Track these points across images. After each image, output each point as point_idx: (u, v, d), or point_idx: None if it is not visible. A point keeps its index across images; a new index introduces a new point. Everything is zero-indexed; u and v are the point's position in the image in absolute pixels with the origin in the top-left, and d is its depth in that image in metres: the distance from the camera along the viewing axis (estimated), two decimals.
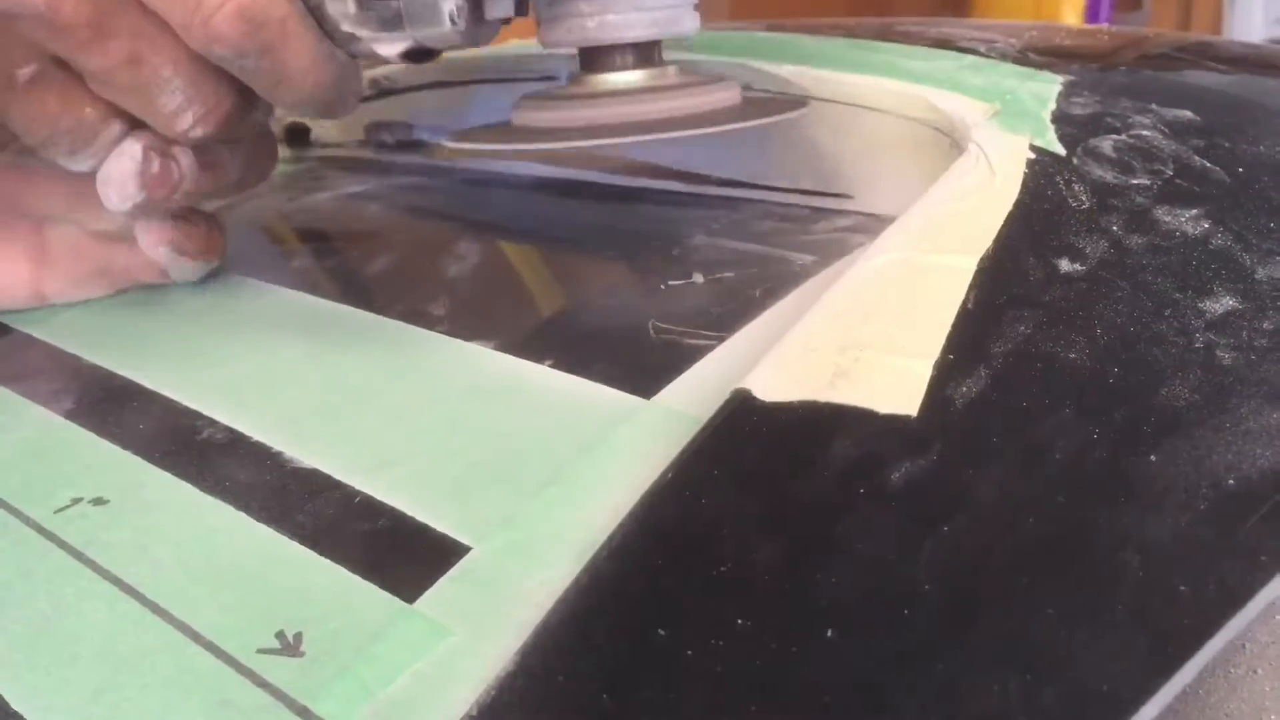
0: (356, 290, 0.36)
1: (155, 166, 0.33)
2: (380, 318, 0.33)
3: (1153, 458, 0.21)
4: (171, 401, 0.30)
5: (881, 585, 0.19)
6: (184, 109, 0.31)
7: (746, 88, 0.37)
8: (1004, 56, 0.39)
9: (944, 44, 0.42)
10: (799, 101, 0.36)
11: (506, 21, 0.32)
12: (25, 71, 0.30)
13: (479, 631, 0.20)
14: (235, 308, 0.36)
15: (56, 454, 0.29)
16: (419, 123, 0.54)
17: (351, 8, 0.30)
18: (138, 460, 0.28)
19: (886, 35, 0.44)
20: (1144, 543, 0.19)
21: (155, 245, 0.36)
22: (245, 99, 0.32)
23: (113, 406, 0.30)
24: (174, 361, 0.33)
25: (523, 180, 0.46)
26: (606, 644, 0.19)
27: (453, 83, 0.51)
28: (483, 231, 0.41)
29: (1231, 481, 0.20)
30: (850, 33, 0.45)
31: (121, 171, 0.32)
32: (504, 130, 0.35)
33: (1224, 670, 0.20)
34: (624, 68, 0.34)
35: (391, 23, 0.30)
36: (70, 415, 0.30)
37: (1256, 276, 0.26)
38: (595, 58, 0.34)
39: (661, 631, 0.18)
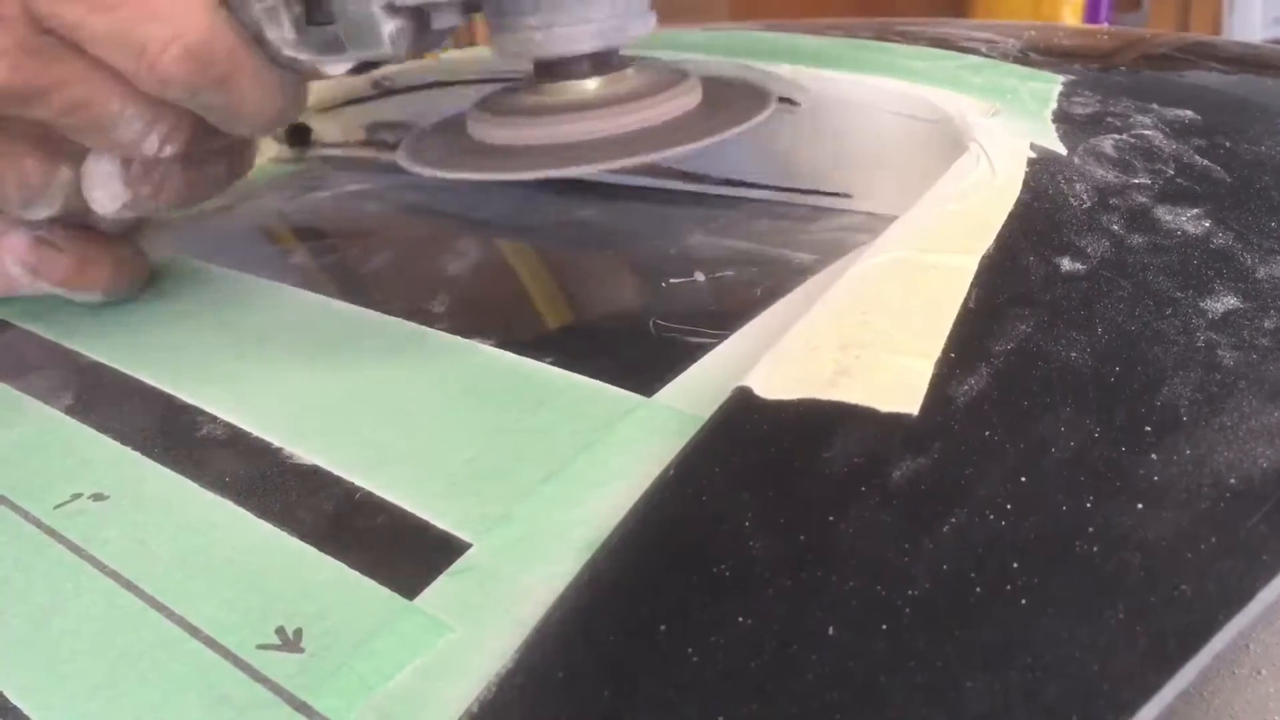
0: (357, 288, 0.36)
1: (135, 165, 0.32)
2: (380, 315, 0.33)
3: (1154, 456, 0.21)
4: (171, 397, 0.30)
5: (882, 583, 0.19)
6: (145, 134, 0.30)
7: (711, 79, 0.36)
8: (1004, 56, 0.39)
9: (944, 44, 0.42)
10: (761, 99, 0.34)
11: (445, 33, 0.31)
12: None
13: (479, 628, 0.20)
14: (236, 305, 0.36)
15: (56, 449, 0.29)
16: (419, 122, 0.54)
17: (290, 34, 0.30)
18: (137, 456, 0.28)
19: (886, 35, 0.44)
20: (1145, 542, 0.19)
21: (9, 262, 0.35)
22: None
23: (112, 402, 0.30)
24: (173, 358, 0.33)
25: (521, 179, 0.46)
26: (607, 641, 0.19)
27: (454, 82, 0.51)
28: (482, 229, 0.41)
29: (1233, 480, 0.20)
30: (850, 33, 0.45)
31: (103, 173, 0.32)
32: (457, 147, 0.34)
33: (1228, 671, 0.20)
34: (580, 75, 0.33)
35: (332, 46, 0.30)
36: (69, 411, 0.30)
37: (1257, 276, 0.26)
38: (550, 66, 0.33)
39: (662, 629, 0.18)
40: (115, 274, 0.36)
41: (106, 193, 0.32)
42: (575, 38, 0.32)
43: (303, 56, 0.30)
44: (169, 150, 0.31)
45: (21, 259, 0.34)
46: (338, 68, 0.31)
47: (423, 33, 0.30)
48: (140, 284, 0.37)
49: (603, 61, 0.33)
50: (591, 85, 0.33)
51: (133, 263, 0.37)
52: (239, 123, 0.31)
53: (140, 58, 0.28)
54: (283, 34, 0.30)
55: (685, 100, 0.33)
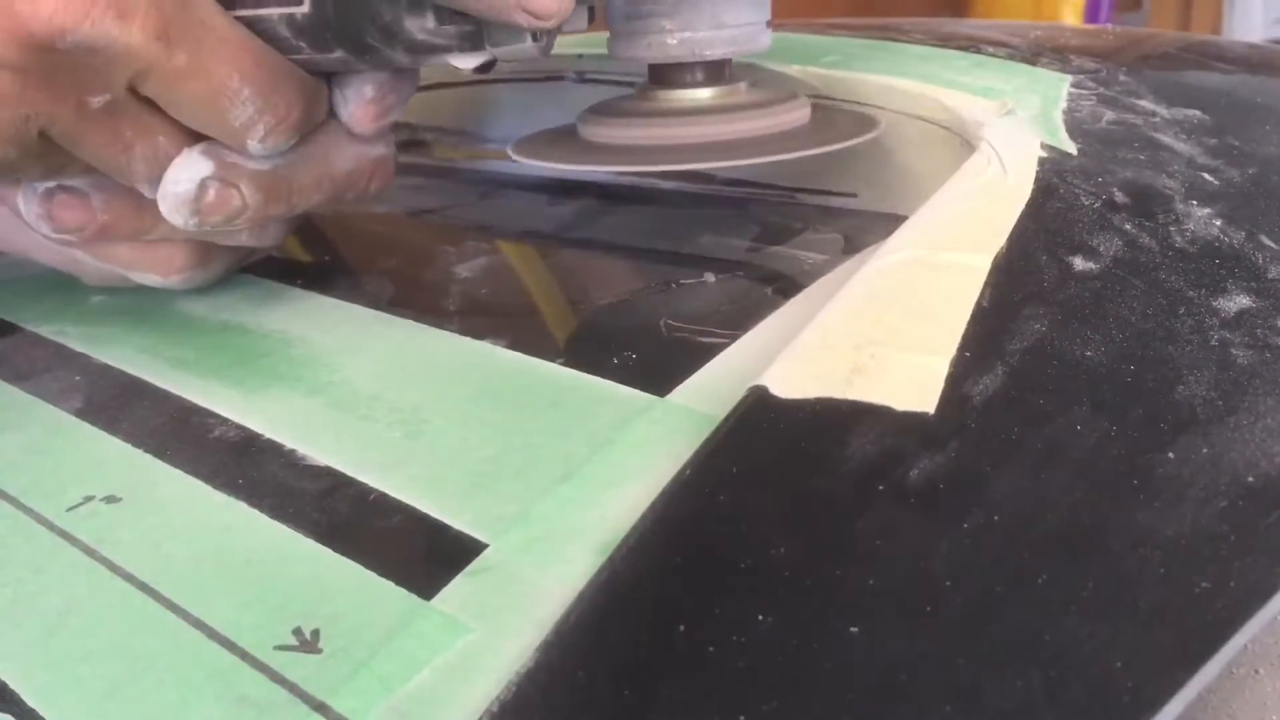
0: (366, 289, 0.36)
1: (211, 195, 0.31)
2: (390, 316, 0.33)
3: (1171, 455, 0.21)
4: (182, 400, 0.30)
5: (902, 582, 0.19)
6: (255, 121, 0.31)
7: (818, 97, 0.37)
8: (1012, 56, 0.39)
9: (951, 43, 0.42)
10: (869, 122, 0.35)
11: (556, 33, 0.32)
12: (98, 100, 0.29)
13: (497, 628, 0.20)
14: (244, 307, 0.36)
15: (67, 452, 0.29)
16: (425, 123, 0.54)
17: (430, 22, 0.30)
18: (149, 458, 0.28)
19: (893, 35, 0.44)
20: (1164, 539, 0.19)
21: (32, 217, 0.34)
22: (311, 107, 0.32)
23: (123, 404, 0.30)
24: (184, 360, 0.33)
25: (530, 180, 0.46)
26: (627, 640, 0.18)
27: (456, 83, 0.51)
28: (492, 231, 0.41)
29: (1251, 479, 0.20)
30: (856, 33, 0.45)
31: (177, 195, 0.31)
32: (574, 145, 0.34)
33: (1226, 670, 0.20)
34: (694, 84, 0.33)
35: (471, 38, 0.30)
36: (80, 413, 0.30)
37: (1270, 275, 0.26)
38: (666, 73, 0.34)
39: (682, 628, 0.18)
40: (158, 257, 0.35)
41: (174, 212, 0.32)
42: (710, 42, 0.32)
43: (437, 43, 0.30)
44: (270, 143, 0.31)
45: (38, 212, 0.33)
46: (470, 61, 0.31)
47: (554, 33, 0.31)
48: (197, 280, 0.36)
49: (717, 73, 0.33)
50: (706, 93, 0.34)
51: (187, 252, 0.36)
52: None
53: None
54: (423, 23, 0.30)
55: (796, 115, 0.34)
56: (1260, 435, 0.21)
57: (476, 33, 0.30)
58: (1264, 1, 2.04)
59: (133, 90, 0.30)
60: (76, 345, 0.35)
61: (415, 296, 0.35)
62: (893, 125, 0.37)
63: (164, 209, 0.32)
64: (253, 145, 0.31)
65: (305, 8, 0.30)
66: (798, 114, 0.34)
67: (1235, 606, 0.18)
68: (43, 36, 0.27)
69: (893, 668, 0.17)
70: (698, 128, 0.33)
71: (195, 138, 0.32)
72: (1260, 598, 0.18)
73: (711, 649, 0.18)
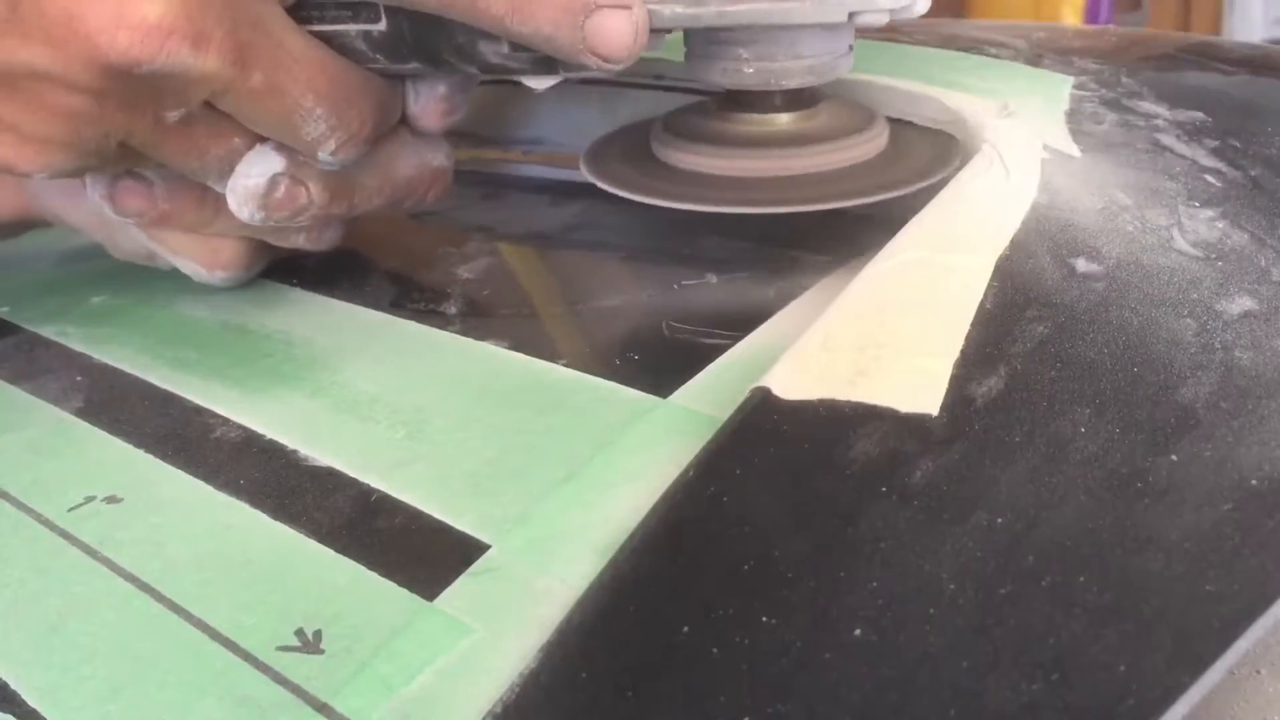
0: (368, 291, 0.36)
1: (281, 191, 0.32)
2: (392, 317, 0.33)
3: (1174, 457, 0.21)
4: (183, 400, 0.30)
5: (905, 584, 0.19)
6: (326, 136, 0.31)
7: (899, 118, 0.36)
8: (1014, 57, 0.39)
9: (953, 44, 0.42)
10: (949, 151, 0.33)
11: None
12: (174, 114, 0.30)
13: (499, 629, 0.20)
14: (245, 308, 0.36)
15: (69, 452, 0.29)
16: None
17: (504, 48, 0.30)
18: (151, 458, 0.28)
19: (894, 36, 0.44)
20: (1169, 542, 0.19)
21: (98, 199, 0.34)
22: (385, 116, 0.33)
23: (124, 405, 0.30)
24: (185, 361, 0.33)
25: (532, 182, 0.46)
26: (630, 642, 0.18)
27: None
28: (494, 232, 0.41)
29: (1254, 481, 0.20)
30: (856, 34, 0.45)
31: (246, 189, 0.32)
32: (652, 171, 0.34)
33: (1227, 670, 0.20)
34: (773, 110, 0.33)
35: (545, 64, 0.30)
36: (82, 414, 0.30)
37: (1273, 277, 0.26)
38: (744, 97, 0.33)
39: (685, 629, 0.18)
40: (209, 248, 0.36)
41: (241, 207, 0.32)
42: (786, 73, 0.32)
43: (513, 67, 0.30)
44: (341, 156, 0.32)
45: (100, 189, 0.33)
46: (543, 84, 0.31)
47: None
48: (237, 278, 0.37)
49: (797, 98, 0.33)
50: (785, 119, 0.33)
51: (238, 249, 0.36)
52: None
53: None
54: (498, 48, 0.30)
55: (872, 144, 0.34)
56: (1264, 438, 0.21)
57: (550, 60, 0.30)
58: (1264, 2, 2.04)
59: (208, 103, 0.30)
60: (78, 346, 0.34)
61: (417, 298, 0.35)
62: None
63: (232, 202, 0.32)
64: (323, 156, 0.32)
65: (382, 25, 0.30)
66: (874, 143, 0.34)
67: (1240, 609, 0.17)
68: (120, 66, 0.27)
69: (896, 669, 0.17)
70: (773, 161, 0.33)
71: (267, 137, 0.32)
72: (1265, 601, 0.18)
73: (714, 650, 0.18)
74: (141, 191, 0.33)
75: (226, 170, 0.32)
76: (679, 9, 0.30)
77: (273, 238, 0.36)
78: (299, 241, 0.36)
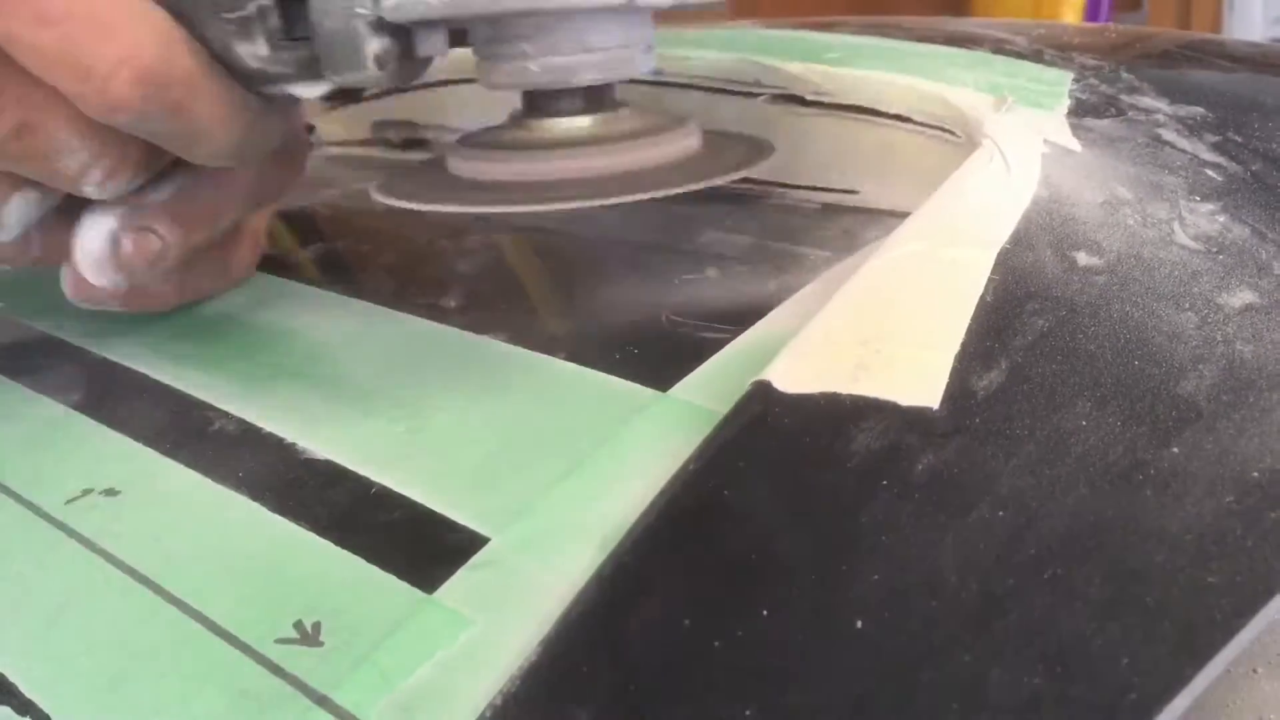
0: (367, 285, 0.36)
1: (128, 245, 0.29)
2: (392, 311, 0.33)
3: (1175, 450, 0.21)
4: (182, 393, 0.30)
5: (907, 577, 0.18)
6: (88, 167, 0.27)
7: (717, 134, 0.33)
8: (1015, 53, 0.39)
9: (953, 41, 0.42)
10: (760, 149, 0.32)
11: (428, 61, 0.29)
12: None
13: (499, 621, 0.20)
14: (244, 301, 0.36)
15: (65, 445, 0.29)
16: (426, 121, 0.54)
17: (263, 50, 0.27)
18: (149, 451, 0.27)
19: (894, 32, 0.44)
20: (1170, 535, 0.19)
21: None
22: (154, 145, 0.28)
23: (121, 398, 0.30)
24: (183, 354, 0.33)
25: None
26: (630, 635, 0.18)
27: (460, 80, 0.51)
28: (493, 226, 0.41)
29: (1256, 474, 0.20)
30: (857, 30, 0.45)
31: (91, 257, 0.29)
32: (438, 181, 0.31)
33: (1224, 669, 0.20)
34: (572, 112, 0.30)
35: (308, 66, 0.27)
36: (79, 406, 0.30)
37: (1275, 271, 0.26)
38: (540, 100, 0.30)
39: (686, 623, 0.18)
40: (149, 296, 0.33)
41: (99, 274, 0.29)
42: (575, 68, 0.29)
43: (273, 73, 0.27)
44: (111, 188, 0.28)
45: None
46: (312, 90, 0.28)
47: (407, 58, 0.28)
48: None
49: (597, 99, 0.30)
50: (584, 122, 0.30)
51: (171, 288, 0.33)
52: (196, 151, 0.28)
53: (87, 80, 0.25)
54: (254, 49, 0.27)
55: (683, 144, 0.31)
56: (1265, 430, 0.21)
57: (313, 59, 0.27)
58: (1264, 1, 2.04)
59: None
60: (75, 339, 0.34)
61: (416, 291, 0.35)
62: (894, 122, 0.37)
63: (88, 276, 0.29)
64: (91, 191, 0.28)
65: None
66: (685, 143, 0.31)
67: (1242, 602, 0.17)
68: None
69: (898, 663, 0.17)
70: (570, 162, 0.30)
71: (18, 180, 0.28)
72: (1267, 593, 0.18)
73: (715, 643, 0.18)
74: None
75: (19, 219, 0.28)
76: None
77: (177, 288, 0.33)
78: (207, 287, 0.32)
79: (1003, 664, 0.17)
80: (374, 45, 0.27)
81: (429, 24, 0.27)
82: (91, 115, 0.26)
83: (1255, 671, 0.22)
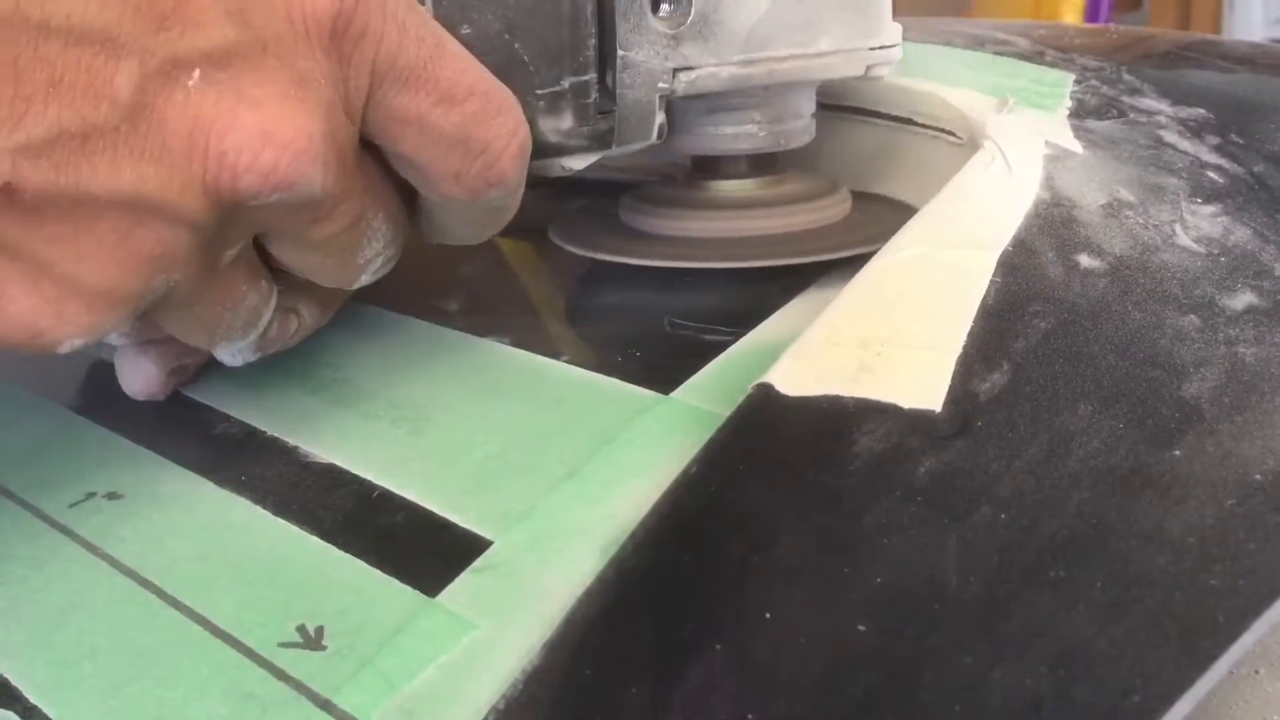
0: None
1: (272, 330, 0.28)
2: (395, 314, 0.33)
3: (1177, 452, 0.21)
4: (183, 396, 0.30)
5: (909, 579, 0.18)
6: (376, 255, 0.26)
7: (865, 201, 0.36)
8: (1016, 54, 0.39)
9: (953, 41, 0.42)
10: (900, 210, 0.34)
11: None
12: (232, 252, 0.24)
13: (502, 625, 0.20)
14: None
15: (69, 449, 0.29)
16: None
17: (568, 123, 0.28)
18: (152, 455, 0.28)
19: None
20: (1172, 537, 0.19)
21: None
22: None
23: (125, 401, 0.30)
24: None
25: (533, 178, 0.46)
26: (633, 638, 0.18)
27: None
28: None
29: (1258, 476, 0.20)
30: None
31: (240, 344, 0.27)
32: (614, 233, 0.34)
33: (1226, 671, 0.20)
34: (736, 175, 0.34)
35: (600, 139, 0.29)
36: (82, 410, 0.30)
37: (1276, 273, 0.26)
38: (709, 163, 0.34)
39: (689, 625, 0.18)
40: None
41: (233, 357, 0.28)
42: (740, 138, 0.32)
43: (570, 145, 0.28)
44: (379, 274, 0.27)
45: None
46: (582, 163, 0.29)
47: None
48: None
49: (760, 164, 0.34)
50: (747, 185, 0.34)
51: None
52: (488, 230, 0.29)
53: (478, 158, 0.25)
54: (558, 124, 0.28)
55: (834, 210, 0.34)
56: (1267, 433, 0.21)
57: (609, 131, 0.29)
58: (1264, 2, 2.04)
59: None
60: None
61: (418, 294, 0.35)
62: (895, 124, 0.37)
63: (225, 359, 0.28)
64: (365, 279, 0.27)
65: None
66: (835, 209, 0.34)
67: (1245, 604, 0.17)
68: (248, 194, 0.22)
69: (900, 665, 0.17)
70: (731, 222, 0.33)
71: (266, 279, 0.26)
72: (1270, 595, 0.18)
73: (718, 646, 0.18)
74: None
75: (250, 325, 0.26)
76: (734, 70, 0.30)
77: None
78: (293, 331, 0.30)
79: (1005, 666, 0.17)
80: (660, 117, 0.29)
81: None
82: (453, 194, 0.25)
83: (1258, 673, 0.22)
